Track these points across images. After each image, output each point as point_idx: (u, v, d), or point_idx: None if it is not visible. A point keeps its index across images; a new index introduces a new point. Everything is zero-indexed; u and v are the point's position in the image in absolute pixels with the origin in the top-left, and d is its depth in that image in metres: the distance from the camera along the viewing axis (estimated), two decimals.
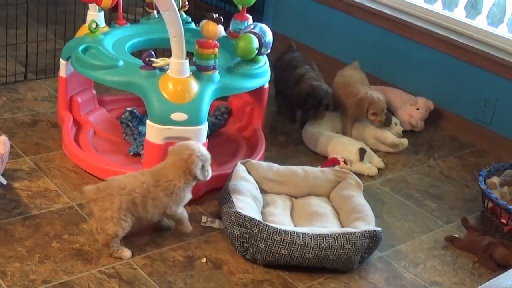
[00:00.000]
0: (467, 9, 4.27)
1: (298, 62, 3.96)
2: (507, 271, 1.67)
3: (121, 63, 3.06)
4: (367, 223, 2.87)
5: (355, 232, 2.74)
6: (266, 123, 3.72)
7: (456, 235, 3.12)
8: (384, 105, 3.85)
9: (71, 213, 2.93)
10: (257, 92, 3.46)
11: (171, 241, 2.84)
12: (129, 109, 3.61)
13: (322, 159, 3.63)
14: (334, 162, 3.51)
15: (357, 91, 3.84)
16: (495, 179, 3.32)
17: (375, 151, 3.79)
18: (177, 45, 2.88)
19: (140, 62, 3.05)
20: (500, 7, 4.14)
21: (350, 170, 3.40)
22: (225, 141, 3.58)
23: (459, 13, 4.30)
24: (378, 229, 2.81)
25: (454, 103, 4.18)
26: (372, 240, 2.78)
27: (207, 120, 3.14)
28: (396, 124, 3.92)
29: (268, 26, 3.35)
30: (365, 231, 2.75)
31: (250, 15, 3.58)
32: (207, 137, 3.17)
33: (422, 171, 3.71)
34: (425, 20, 4.33)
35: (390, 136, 3.85)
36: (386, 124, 3.86)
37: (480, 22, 4.21)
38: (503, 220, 3.04)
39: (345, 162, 3.52)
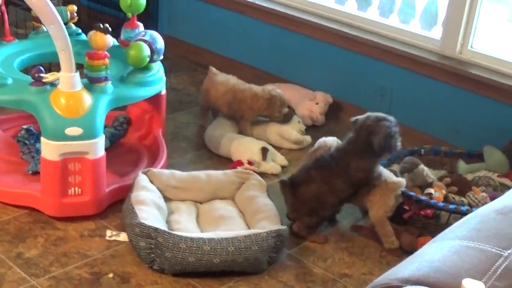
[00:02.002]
0: (358, 1, 4.34)
1: None
2: (407, 259, 1.69)
3: (9, 81, 2.96)
4: (272, 222, 2.88)
5: (261, 233, 2.74)
6: (166, 130, 3.69)
7: (361, 224, 3.16)
8: (287, 103, 3.89)
9: None
10: (154, 100, 3.42)
11: (76, 259, 2.78)
12: (25, 126, 3.51)
13: (226, 162, 3.62)
14: (239, 164, 3.51)
15: (253, 94, 3.84)
16: (395, 167, 3.38)
17: (278, 148, 3.81)
18: (66, 58, 2.81)
19: (30, 78, 2.97)
20: None
21: (254, 170, 3.41)
22: (126, 152, 3.53)
23: (350, 7, 4.36)
24: (284, 227, 2.82)
25: (352, 95, 4.24)
26: (279, 239, 2.79)
27: (106, 132, 3.09)
28: (299, 122, 3.95)
29: (164, 32, 3.32)
30: (271, 231, 2.76)
31: (145, 22, 3.54)
32: (107, 148, 3.13)
33: None
34: (318, 15, 4.37)
35: (293, 132, 3.87)
36: (287, 120, 3.88)
37: (372, 13, 4.29)
38: (406, 207, 3.10)
39: (249, 162, 3.52)
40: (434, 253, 1.63)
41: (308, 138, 3.91)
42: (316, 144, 3.30)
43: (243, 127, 3.85)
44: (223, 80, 3.91)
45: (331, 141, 3.25)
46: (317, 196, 3.01)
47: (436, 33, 3.99)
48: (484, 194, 3.18)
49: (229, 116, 3.88)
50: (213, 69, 3.96)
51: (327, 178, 3.02)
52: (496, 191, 3.25)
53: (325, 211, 3.07)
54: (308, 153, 3.36)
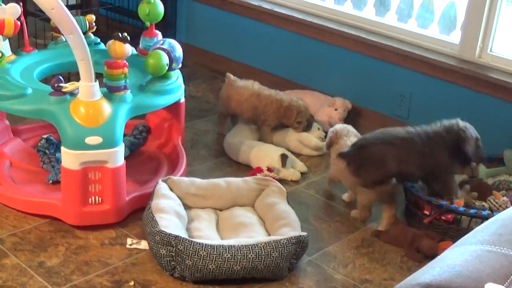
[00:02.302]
0: (376, 7, 4.34)
1: None
2: (428, 264, 1.68)
3: (29, 91, 2.99)
4: (292, 228, 2.87)
5: (281, 239, 2.73)
6: (186, 138, 3.70)
7: (381, 229, 3.16)
8: (309, 113, 3.90)
9: None
10: (173, 108, 3.43)
11: (97, 267, 2.79)
12: (44, 136, 3.54)
13: (245, 169, 3.62)
14: (258, 171, 3.51)
15: (279, 99, 3.85)
16: None
17: (298, 155, 3.81)
18: (85, 68, 2.83)
19: (49, 88, 2.99)
20: (407, 2, 4.21)
21: (274, 177, 3.41)
22: (146, 160, 3.54)
23: (368, 12, 4.36)
24: (304, 233, 2.81)
25: (371, 100, 4.23)
26: (299, 246, 2.79)
27: (125, 141, 3.11)
28: (318, 128, 3.95)
29: (182, 40, 3.33)
30: (291, 237, 2.75)
31: (163, 31, 3.56)
32: (127, 157, 3.14)
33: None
34: (336, 21, 4.37)
35: (313, 139, 3.87)
36: (307, 129, 3.88)
37: (390, 19, 4.28)
38: (426, 212, 3.08)
39: (269, 169, 3.52)
40: (456, 257, 1.62)
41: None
42: (330, 133, 3.45)
43: (264, 132, 3.86)
44: (245, 85, 3.92)
45: (341, 127, 3.43)
46: (384, 155, 3.04)
47: (455, 37, 3.97)
48: (505, 198, 3.16)
49: (251, 121, 3.89)
50: (231, 76, 3.97)
51: (408, 147, 3.06)
52: None
53: (388, 170, 3.07)
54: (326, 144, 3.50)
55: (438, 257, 1.71)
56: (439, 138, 3.10)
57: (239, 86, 3.92)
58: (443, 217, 3.02)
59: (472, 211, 2.99)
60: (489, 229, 1.77)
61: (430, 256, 3.00)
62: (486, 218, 2.79)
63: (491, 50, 3.79)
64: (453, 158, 3.11)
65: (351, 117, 4.19)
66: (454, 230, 3.01)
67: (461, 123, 3.13)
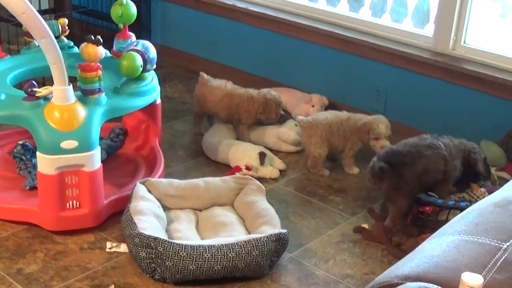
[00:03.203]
0: (350, 2, 4.35)
1: None
2: (406, 256, 1.68)
3: (3, 97, 2.96)
4: (272, 226, 2.87)
5: (261, 237, 2.73)
6: (163, 139, 3.69)
7: (365, 225, 3.15)
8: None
9: None
10: (150, 109, 3.41)
11: (76, 272, 2.77)
12: (20, 142, 3.51)
13: (224, 168, 3.61)
14: (237, 170, 3.50)
15: (251, 96, 3.84)
16: None
17: (277, 152, 3.81)
18: (58, 72, 2.80)
19: (23, 93, 2.96)
20: None
21: (253, 175, 3.41)
22: (123, 163, 3.52)
23: (342, 8, 4.36)
24: (284, 231, 2.81)
25: (348, 96, 4.24)
26: (279, 243, 2.78)
27: (102, 144, 3.09)
28: (295, 124, 3.94)
29: (157, 42, 3.32)
30: (271, 235, 2.75)
31: (138, 32, 3.54)
32: (104, 160, 3.12)
33: (324, 166, 3.73)
34: (310, 18, 4.37)
35: (292, 133, 3.87)
36: (282, 120, 3.91)
37: (364, 14, 4.29)
38: None
39: (247, 168, 3.51)
40: (433, 249, 1.62)
41: None
42: (311, 120, 3.63)
43: (241, 131, 3.85)
44: (219, 85, 3.91)
45: (323, 115, 3.68)
46: (421, 176, 3.01)
47: (429, 30, 3.99)
48: (482, 189, 3.17)
49: (227, 121, 3.88)
50: (205, 75, 3.96)
51: (439, 165, 3.06)
52: (495, 185, 3.25)
53: (420, 190, 3.05)
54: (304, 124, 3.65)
55: (416, 248, 1.71)
56: (458, 155, 3.14)
57: (213, 86, 3.91)
58: (421, 209, 3.03)
59: (450, 202, 3.00)
60: (465, 219, 1.77)
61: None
62: (464, 209, 2.79)
63: (464, 42, 3.82)
64: (465, 174, 3.18)
65: None
66: (433, 222, 3.02)
67: (469, 143, 3.20)
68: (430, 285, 1.43)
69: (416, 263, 1.57)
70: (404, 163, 2.99)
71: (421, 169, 3.01)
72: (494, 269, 1.50)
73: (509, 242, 1.59)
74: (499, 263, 1.52)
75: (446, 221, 2.85)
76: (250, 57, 4.67)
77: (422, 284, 1.44)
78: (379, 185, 3.07)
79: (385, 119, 3.59)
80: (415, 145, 3.07)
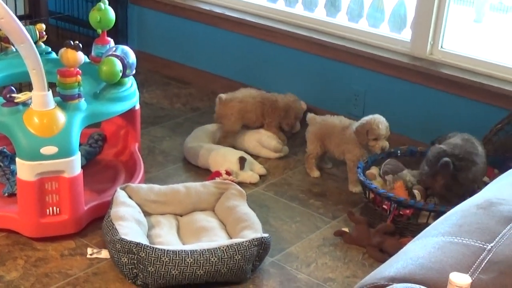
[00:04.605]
0: (327, 8, 4.36)
1: None
2: (391, 257, 1.69)
3: None
4: (254, 230, 2.87)
5: (243, 242, 2.73)
6: (142, 145, 3.68)
7: (345, 229, 3.16)
8: None
9: None
10: (129, 115, 3.40)
11: (57, 279, 2.75)
12: None
13: (204, 173, 3.61)
14: (217, 175, 3.50)
15: (274, 98, 3.99)
16: (374, 170, 3.39)
17: (256, 157, 3.81)
18: (37, 77, 2.79)
19: (1, 99, 2.94)
20: (357, 2, 4.24)
21: (233, 180, 3.41)
22: (103, 169, 3.51)
23: (319, 13, 4.38)
24: (266, 235, 2.81)
25: (326, 100, 4.25)
26: (261, 247, 2.78)
27: (81, 150, 3.07)
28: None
29: (134, 47, 3.31)
30: (253, 239, 2.75)
31: (114, 38, 3.53)
32: (84, 166, 3.10)
33: (303, 171, 3.74)
34: (288, 23, 4.38)
35: (273, 141, 3.88)
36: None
37: (341, 19, 4.31)
38: (385, 206, 3.11)
39: (227, 173, 3.51)
40: (418, 250, 1.64)
41: (286, 149, 3.93)
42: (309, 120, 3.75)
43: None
44: (245, 94, 3.99)
45: (331, 118, 3.74)
46: (474, 180, 3.10)
47: (406, 35, 4.01)
48: None
49: (258, 125, 3.98)
50: (223, 95, 3.94)
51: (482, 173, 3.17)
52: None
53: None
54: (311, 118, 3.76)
55: (401, 250, 1.72)
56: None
57: (241, 96, 3.96)
58: (401, 212, 3.05)
59: (430, 205, 3.02)
60: (449, 221, 1.79)
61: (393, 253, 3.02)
62: (444, 212, 2.81)
63: (442, 47, 3.85)
64: None
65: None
66: (413, 225, 3.04)
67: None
68: (417, 286, 1.44)
69: (402, 264, 1.58)
70: (464, 167, 3.07)
71: (472, 177, 3.09)
72: (479, 270, 1.52)
73: (493, 243, 1.61)
74: (483, 263, 1.54)
75: (427, 224, 2.87)
76: (228, 63, 4.67)
77: (409, 285, 1.45)
78: (434, 178, 3.12)
79: (384, 119, 3.53)
80: (473, 153, 3.13)
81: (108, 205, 2.99)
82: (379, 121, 3.51)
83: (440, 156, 3.08)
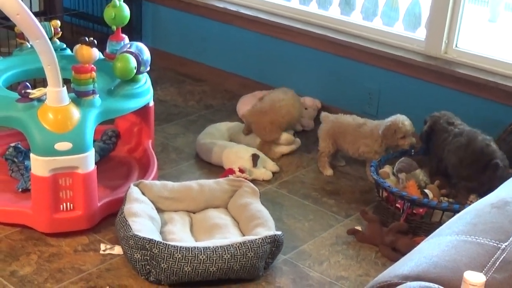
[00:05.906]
0: (341, 6, 4.36)
1: None
2: (405, 256, 1.69)
3: None
4: (267, 228, 2.87)
5: (256, 239, 2.73)
6: (156, 142, 3.69)
7: (358, 228, 3.16)
8: None
9: None
10: (142, 112, 3.41)
11: (71, 274, 2.76)
12: (12, 144, 3.49)
13: (217, 170, 3.61)
14: (230, 173, 3.50)
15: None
16: (387, 168, 3.38)
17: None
18: (52, 73, 2.80)
19: (16, 95, 2.95)
20: (372, 1, 4.24)
21: (246, 178, 3.41)
22: (116, 165, 3.52)
23: (334, 11, 4.37)
24: (279, 233, 2.81)
25: (340, 99, 4.25)
26: (274, 245, 2.78)
27: (95, 146, 3.07)
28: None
29: (148, 44, 3.32)
30: (266, 237, 2.75)
31: (129, 35, 3.53)
32: (97, 162, 3.11)
33: (316, 169, 3.74)
34: (302, 21, 4.38)
35: (283, 134, 3.88)
36: None
37: (355, 17, 4.30)
38: (398, 205, 3.10)
39: (240, 170, 3.51)
40: (432, 249, 1.63)
41: (298, 141, 3.93)
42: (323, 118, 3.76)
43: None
44: (281, 97, 3.99)
45: (345, 117, 3.74)
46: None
47: (421, 34, 4.00)
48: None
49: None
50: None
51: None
52: None
53: None
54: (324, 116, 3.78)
55: (415, 249, 1.71)
56: None
57: (287, 97, 4.00)
58: (414, 211, 3.05)
59: (444, 204, 3.01)
60: (463, 220, 1.78)
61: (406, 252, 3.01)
62: (457, 211, 2.81)
63: (456, 46, 3.83)
64: None
65: None
66: (427, 225, 3.03)
67: None
68: (431, 284, 1.43)
69: (415, 262, 1.57)
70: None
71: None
72: (493, 269, 1.51)
73: (507, 242, 1.61)
74: (498, 263, 1.53)
75: (440, 223, 2.86)
76: (241, 60, 4.67)
77: (423, 283, 1.45)
78: (482, 172, 3.17)
79: (405, 117, 3.57)
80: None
81: (121, 201, 2.99)
82: (403, 118, 3.54)
83: (487, 153, 3.21)
